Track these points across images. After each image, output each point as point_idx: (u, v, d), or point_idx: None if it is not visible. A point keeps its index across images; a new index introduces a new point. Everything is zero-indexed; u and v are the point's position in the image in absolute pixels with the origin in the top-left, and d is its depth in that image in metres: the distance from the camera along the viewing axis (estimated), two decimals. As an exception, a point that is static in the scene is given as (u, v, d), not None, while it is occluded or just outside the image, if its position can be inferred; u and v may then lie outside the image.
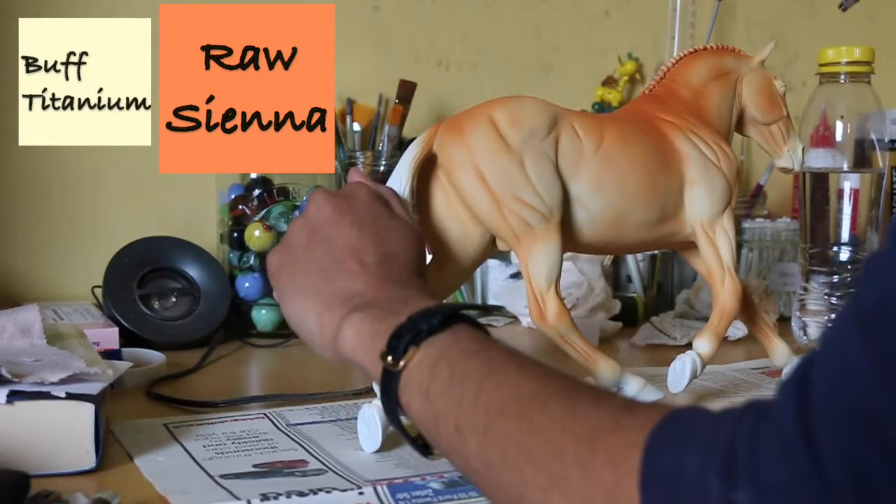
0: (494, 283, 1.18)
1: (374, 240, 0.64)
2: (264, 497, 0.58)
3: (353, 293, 0.61)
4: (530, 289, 0.73)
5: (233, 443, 0.71)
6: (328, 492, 0.59)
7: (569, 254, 0.86)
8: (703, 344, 0.79)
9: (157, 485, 0.62)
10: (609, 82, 1.38)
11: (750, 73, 0.85)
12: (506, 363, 0.52)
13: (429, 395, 0.53)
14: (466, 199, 0.72)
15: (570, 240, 0.75)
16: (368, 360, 0.57)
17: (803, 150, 0.88)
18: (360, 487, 0.60)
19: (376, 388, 0.57)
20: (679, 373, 0.78)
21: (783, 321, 1.12)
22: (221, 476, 0.64)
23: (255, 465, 0.66)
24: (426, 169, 0.73)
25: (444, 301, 0.62)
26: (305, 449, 0.70)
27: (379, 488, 0.60)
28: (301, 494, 0.58)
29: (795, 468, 0.38)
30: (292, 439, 0.72)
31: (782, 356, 0.83)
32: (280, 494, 0.58)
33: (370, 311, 0.59)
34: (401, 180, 0.72)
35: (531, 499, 0.46)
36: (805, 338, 1.05)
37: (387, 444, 0.69)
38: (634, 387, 0.75)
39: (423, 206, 0.74)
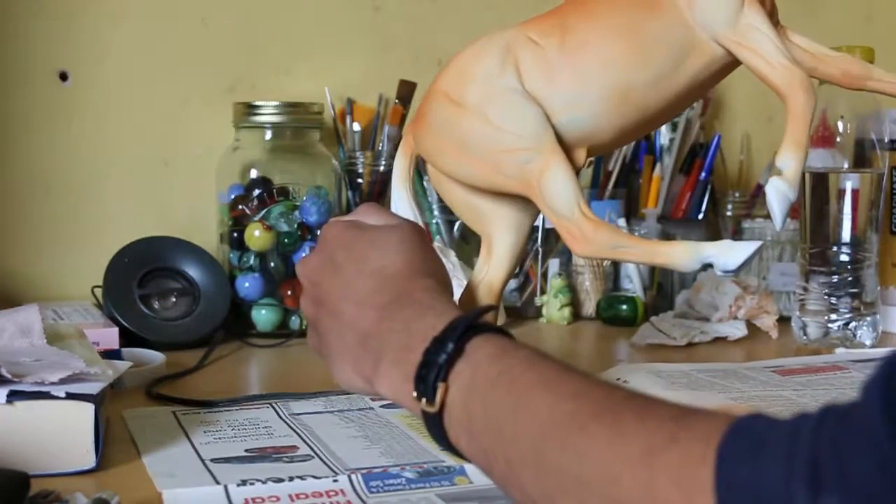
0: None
1: (352, 273, 0.63)
2: (242, 482, 0.60)
3: (364, 337, 0.60)
4: (558, 225, 0.68)
5: (232, 429, 0.73)
6: (303, 478, 0.61)
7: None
8: (787, 160, 0.66)
9: (148, 466, 0.64)
10: (609, 82, 1.38)
11: None
12: (532, 384, 0.51)
13: (472, 432, 0.52)
14: (464, 181, 0.70)
15: (589, 147, 0.69)
16: (408, 405, 0.57)
17: None
18: (335, 475, 0.61)
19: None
20: (782, 198, 0.67)
21: (783, 321, 1.12)
22: (212, 460, 0.66)
23: (246, 451, 0.68)
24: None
25: (451, 304, 0.60)
26: (300, 436, 0.71)
27: (353, 476, 0.61)
28: (278, 480, 0.60)
29: (889, 470, 0.35)
30: (290, 427, 0.74)
31: None
32: (257, 480, 0.60)
33: (389, 356, 0.58)
34: (401, 198, 0.71)
35: None
36: (805, 338, 1.05)
37: (376, 434, 0.71)
38: (720, 252, 0.66)
39: (451, 204, 0.72)
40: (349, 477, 0.61)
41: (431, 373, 0.54)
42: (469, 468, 0.63)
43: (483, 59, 0.69)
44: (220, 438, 0.71)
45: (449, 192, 0.73)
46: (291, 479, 0.60)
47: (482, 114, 0.68)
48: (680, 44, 0.69)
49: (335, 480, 0.61)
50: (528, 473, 0.48)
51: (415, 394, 0.55)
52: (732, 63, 0.71)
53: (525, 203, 0.72)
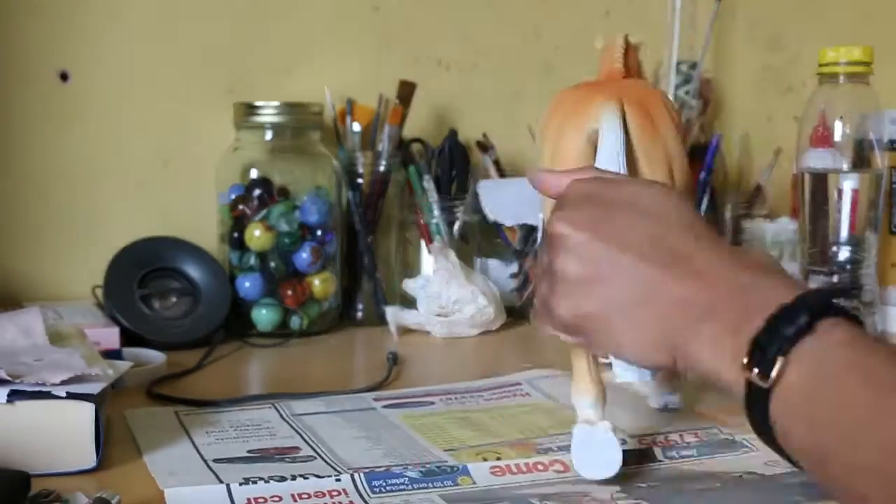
0: (496, 283, 1.18)
1: (650, 232, 0.55)
2: (244, 481, 0.60)
3: (681, 302, 0.53)
4: None
5: (235, 430, 0.73)
6: (306, 478, 0.61)
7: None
8: None
9: (150, 465, 0.64)
10: (609, 82, 1.38)
11: None
12: (894, 382, 0.45)
13: (812, 422, 0.46)
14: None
15: None
16: (726, 376, 0.51)
17: None
18: (338, 474, 0.61)
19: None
20: None
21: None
22: (215, 460, 0.66)
23: (249, 451, 0.68)
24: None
25: (795, 281, 0.52)
26: (302, 437, 0.72)
27: (356, 475, 0.61)
28: (280, 479, 0.60)
29: None
30: (292, 427, 0.74)
31: None
32: (260, 479, 0.60)
33: (716, 321, 0.52)
34: (618, 151, 0.65)
35: None
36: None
37: (378, 434, 0.71)
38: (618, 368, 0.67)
39: None
40: (352, 476, 0.61)
41: (774, 343, 0.48)
42: (472, 468, 0.63)
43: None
44: (222, 439, 0.71)
45: None
46: (294, 478, 0.61)
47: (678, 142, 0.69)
48: None
49: (338, 480, 0.61)
50: (875, 489, 0.43)
51: (746, 360, 0.48)
52: None
53: None
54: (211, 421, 0.75)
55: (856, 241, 1.04)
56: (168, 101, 1.24)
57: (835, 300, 0.49)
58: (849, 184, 1.04)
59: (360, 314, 1.20)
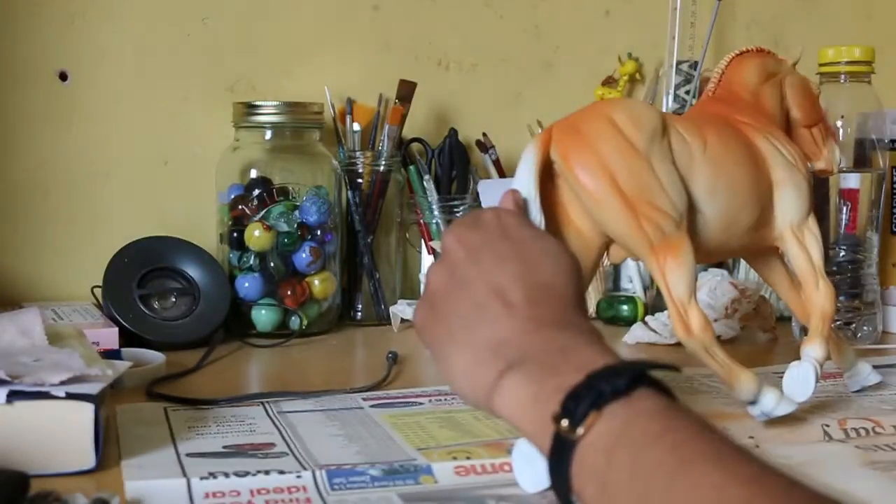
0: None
1: (518, 273, 0.57)
2: (205, 476, 0.60)
3: (501, 342, 0.54)
4: (672, 303, 0.69)
5: (217, 425, 0.73)
6: (267, 473, 0.61)
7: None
8: (816, 349, 0.76)
9: (123, 454, 0.65)
10: (609, 82, 1.38)
11: (789, 75, 0.83)
12: (699, 453, 0.43)
13: (605, 483, 0.45)
14: (596, 208, 0.67)
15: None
16: (529, 426, 0.51)
17: (839, 151, 0.86)
18: (300, 471, 0.61)
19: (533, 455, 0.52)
20: (803, 380, 0.75)
21: (783, 321, 1.12)
22: (188, 455, 0.66)
23: (224, 447, 0.68)
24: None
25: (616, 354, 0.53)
26: (280, 433, 0.72)
27: (317, 472, 0.61)
28: (243, 475, 0.60)
29: None
30: (273, 424, 0.74)
31: (859, 372, 0.83)
32: (221, 474, 0.60)
33: (526, 370, 0.52)
34: (530, 194, 0.66)
35: None
36: (804, 338, 1.05)
37: (357, 432, 0.71)
38: (771, 400, 0.72)
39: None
40: (313, 473, 0.61)
41: (589, 397, 0.47)
42: (436, 467, 0.63)
43: (653, 117, 0.69)
44: (202, 434, 0.71)
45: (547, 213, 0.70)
46: (255, 473, 0.61)
47: (649, 163, 0.68)
48: (767, 208, 0.75)
49: (298, 476, 0.61)
50: None
51: (558, 410, 0.48)
52: (763, 252, 0.80)
53: (598, 264, 0.72)
54: (197, 417, 0.75)
55: (857, 242, 1.04)
56: (168, 101, 1.24)
57: (652, 373, 0.49)
58: (850, 184, 1.04)
59: (359, 314, 1.20)
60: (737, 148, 0.74)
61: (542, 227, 0.66)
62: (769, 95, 0.81)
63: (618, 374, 0.48)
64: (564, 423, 0.47)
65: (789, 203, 0.76)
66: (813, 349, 0.76)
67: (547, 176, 0.69)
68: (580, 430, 0.47)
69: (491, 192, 1.25)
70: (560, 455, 0.47)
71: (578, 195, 0.68)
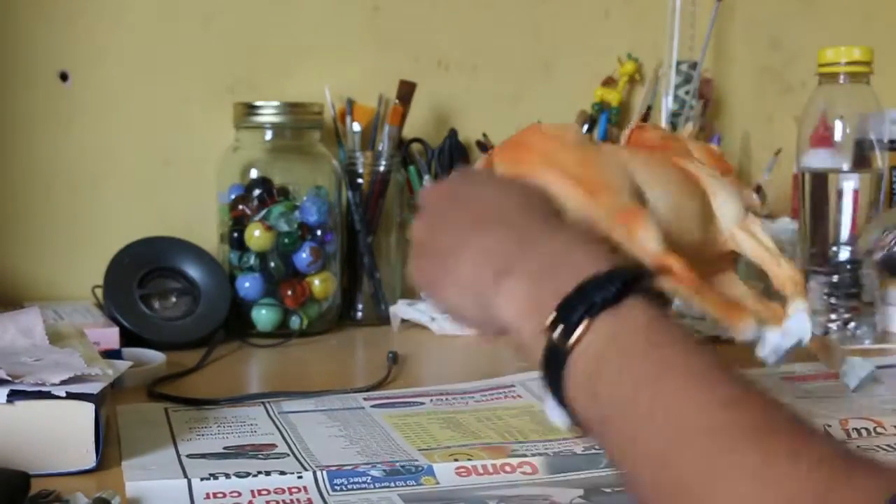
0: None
1: (494, 197, 0.59)
2: (206, 477, 0.60)
3: (493, 250, 0.55)
4: (650, 259, 0.69)
5: (218, 426, 0.73)
6: (268, 474, 0.61)
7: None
8: (799, 302, 0.76)
9: (124, 454, 0.65)
10: (609, 82, 1.38)
11: (689, 140, 0.84)
12: (685, 372, 0.44)
13: (596, 394, 0.46)
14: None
15: None
16: (528, 330, 0.51)
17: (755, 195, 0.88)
18: (302, 472, 0.62)
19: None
20: (800, 325, 0.75)
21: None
22: (188, 455, 0.66)
23: (225, 448, 0.68)
24: None
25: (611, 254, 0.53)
26: (281, 434, 0.72)
27: (318, 473, 0.61)
28: (244, 475, 0.61)
29: None
30: (274, 424, 0.74)
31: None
32: (222, 475, 0.61)
33: (519, 273, 0.52)
34: None
35: None
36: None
37: (357, 433, 0.72)
38: (776, 334, 0.72)
39: None
40: (314, 474, 0.61)
41: (581, 305, 0.47)
42: (438, 468, 0.63)
43: (578, 127, 0.74)
44: (202, 435, 0.71)
45: None
46: (256, 474, 0.61)
47: (587, 152, 0.70)
48: (707, 217, 0.77)
49: (299, 477, 0.61)
50: (645, 471, 0.43)
51: (553, 317, 0.48)
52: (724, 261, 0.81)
53: None
54: (198, 418, 0.75)
55: (856, 241, 1.04)
56: (168, 102, 1.24)
57: (647, 277, 0.49)
58: (849, 184, 1.04)
59: (360, 314, 1.20)
60: (665, 160, 0.76)
61: None
62: (677, 147, 0.83)
63: (609, 283, 0.48)
64: (557, 331, 0.48)
65: (727, 206, 0.78)
66: (796, 303, 0.76)
67: None
68: (571, 341, 0.47)
69: (491, 192, 1.25)
70: (554, 364, 0.48)
71: None
